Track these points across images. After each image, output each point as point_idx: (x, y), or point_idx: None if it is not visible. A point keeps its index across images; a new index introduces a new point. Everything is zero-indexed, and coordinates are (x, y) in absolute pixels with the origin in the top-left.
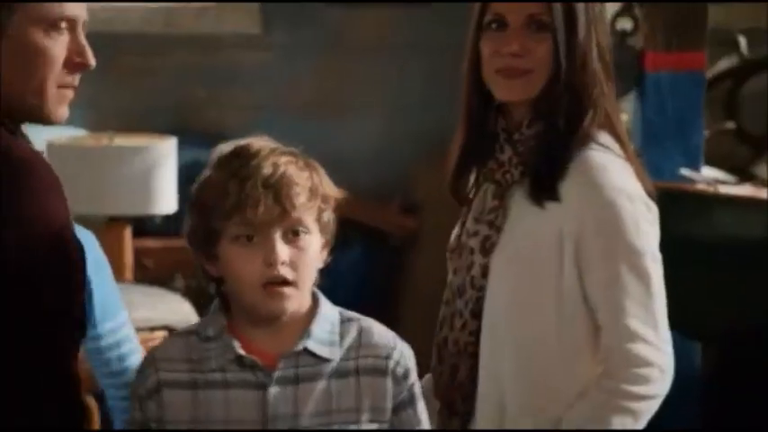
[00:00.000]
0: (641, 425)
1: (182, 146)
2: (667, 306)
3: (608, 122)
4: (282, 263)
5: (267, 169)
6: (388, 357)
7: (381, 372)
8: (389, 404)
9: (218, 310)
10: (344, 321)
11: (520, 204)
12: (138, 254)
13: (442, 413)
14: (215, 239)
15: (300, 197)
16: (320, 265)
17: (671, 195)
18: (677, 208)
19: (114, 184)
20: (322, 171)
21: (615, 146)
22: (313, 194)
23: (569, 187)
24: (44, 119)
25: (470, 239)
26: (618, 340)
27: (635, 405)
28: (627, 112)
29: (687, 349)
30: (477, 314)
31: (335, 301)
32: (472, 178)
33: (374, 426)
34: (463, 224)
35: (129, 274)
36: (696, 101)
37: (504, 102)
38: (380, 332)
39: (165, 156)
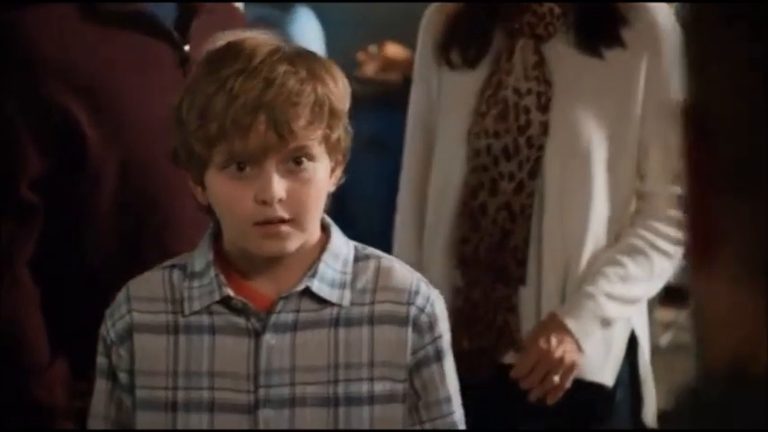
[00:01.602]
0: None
1: None
2: None
3: None
4: (279, 200)
5: (258, 84)
6: (409, 303)
7: (401, 320)
8: (408, 359)
9: (208, 241)
10: (360, 259)
11: (564, 57)
12: None
13: (483, 281)
14: (200, 165)
15: (301, 120)
16: (330, 190)
17: None
18: None
19: None
20: (333, 76)
21: None
22: (317, 114)
23: (627, 31)
24: None
25: (524, 98)
26: (663, 185)
27: (672, 248)
28: None
29: None
30: (534, 175)
31: None
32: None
33: (387, 384)
34: (496, 84)
35: None
36: None
37: None
38: (402, 273)
39: None
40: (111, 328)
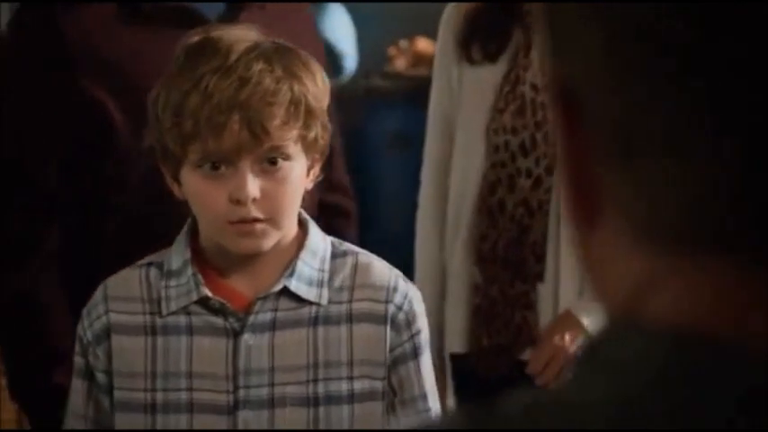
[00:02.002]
0: None
1: None
2: None
3: None
4: (254, 200)
5: (233, 83)
6: (387, 301)
7: (379, 318)
8: (387, 357)
9: (186, 237)
10: (337, 255)
11: None
12: None
13: (501, 278)
14: (175, 162)
15: (276, 120)
16: (308, 187)
17: None
18: None
19: None
20: (312, 73)
21: None
22: (293, 114)
23: None
24: None
25: (540, 94)
26: None
27: None
28: None
29: None
30: (551, 170)
31: None
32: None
33: (366, 383)
34: (514, 81)
35: None
36: None
37: None
38: (380, 270)
39: None
40: (87, 327)
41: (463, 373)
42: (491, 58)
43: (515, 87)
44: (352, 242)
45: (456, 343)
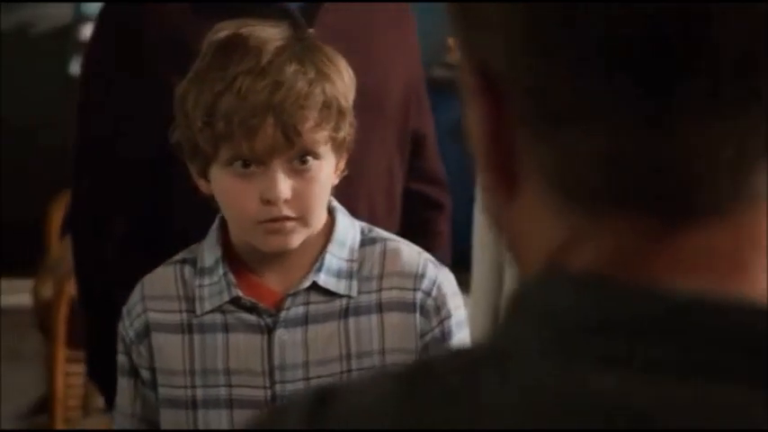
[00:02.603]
0: None
1: None
2: None
3: None
4: (285, 201)
5: (268, 85)
6: (416, 289)
7: (408, 306)
8: (418, 344)
9: (217, 233)
10: (366, 243)
11: None
12: None
13: None
14: (205, 161)
15: (308, 122)
16: (334, 182)
17: None
18: None
19: None
20: (341, 72)
21: None
22: (325, 116)
23: None
24: None
25: None
26: None
27: None
28: None
29: None
30: None
31: None
32: None
33: None
34: None
35: None
36: None
37: None
38: (409, 256)
39: None
40: (129, 327)
41: None
42: None
43: None
44: (445, 237)
45: None
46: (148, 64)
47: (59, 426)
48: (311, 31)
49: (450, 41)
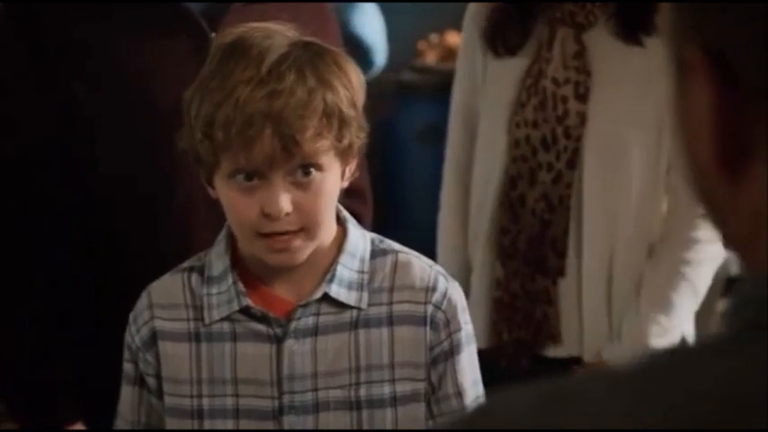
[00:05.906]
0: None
1: None
2: None
3: None
4: (287, 214)
5: (265, 96)
6: (426, 302)
7: (418, 320)
8: (427, 358)
9: (225, 241)
10: (377, 255)
11: (603, 46)
12: None
13: (523, 273)
14: (209, 169)
15: (308, 132)
16: (343, 186)
17: None
18: None
19: None
20: (346, 76)
21: None
22: (326, 125)
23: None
24: None
25: (561, 88)
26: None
27: (708, 251)
28: None
29: None
30: (572, 165)
31: None
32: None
33: (408, 385)
34: (536, 74)
35: None
36: None
37: None
38: (420, 269)
39: None
40: (135, 334)
41: (484, 368)
42: (513, 51)
43: (537, 81)
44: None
45: (477, 337)
46: (45, 63)
47: None
48: (213, 35)
49: (420, 45)
